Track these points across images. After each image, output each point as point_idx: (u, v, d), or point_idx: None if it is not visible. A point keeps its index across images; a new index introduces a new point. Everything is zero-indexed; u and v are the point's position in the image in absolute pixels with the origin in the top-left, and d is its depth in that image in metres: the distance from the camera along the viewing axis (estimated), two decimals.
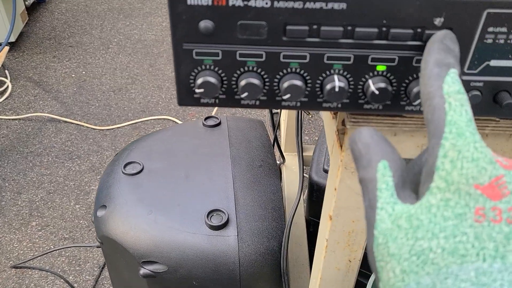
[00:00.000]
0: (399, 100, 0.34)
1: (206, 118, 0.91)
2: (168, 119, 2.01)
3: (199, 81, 0.32)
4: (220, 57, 0.32)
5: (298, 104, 0.34)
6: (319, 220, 1.01)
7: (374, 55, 0.31)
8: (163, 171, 0.79)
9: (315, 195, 0.99)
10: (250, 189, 0.77)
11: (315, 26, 0.30)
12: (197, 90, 0.32)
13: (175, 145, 0.85)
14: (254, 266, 0.70)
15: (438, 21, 0.30)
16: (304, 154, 1.43)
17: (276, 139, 0.99)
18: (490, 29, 0.30)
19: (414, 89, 0.32)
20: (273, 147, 0.96)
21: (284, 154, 1.19)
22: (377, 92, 0.32)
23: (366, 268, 0.80)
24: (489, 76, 0.32)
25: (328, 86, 0.32)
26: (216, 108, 1.99)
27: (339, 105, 0.34)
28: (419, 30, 0.30)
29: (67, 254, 1.46)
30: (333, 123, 0.43)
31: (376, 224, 0.22)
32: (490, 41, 0.30)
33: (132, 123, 1.98)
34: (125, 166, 0.79)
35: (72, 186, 1.70)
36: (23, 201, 1.63)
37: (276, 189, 0.79)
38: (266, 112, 1.57)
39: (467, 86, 0.33)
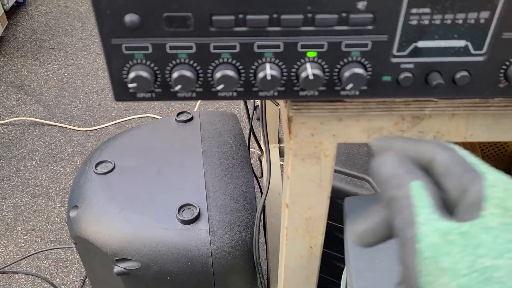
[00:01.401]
0: (333, 85, 0.34)
1: (178, 114, 0.91)
2: (152, 117, 2.00)
3: (131, 75, 0.32)
4: (150, 51, 0.32)
5: (235, 94, 0.34)
6: None
7: (303, 42, 0.32)
8: (135, 168, 0.79)
9: None
10: (222, 182, 0.77)
11: (241, 15, 0.30)
12: (129, 85, 0.32)
13: (147, 142, 0.85)
14: (227, 258, 0.70)
15: (361, 4, 0.30)
16: (281, 145, 1.44)
17: (252, 131, 0.99)
18: (414, 10, 0.30)
19: (345, 73, 0.32)
20: (249, 140, 0.96)
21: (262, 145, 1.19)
22: (310, 78, 0.32)
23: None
24: (418, 57, 0.32)
25: (261, 75, 0.32)
26: (198, 102, 1.99)
27: (275, 93, 0.34)
28: (344, 14, 0.30)
29: (53, 256, 1.45)
30: (285, 111, 0.43)
31: (419, 238, 0.22)
32: (415, 22, 0.31)
33: (116, 123, 1.97)
34: (96, 165, 0.79)
35: (57, 189, 1.69)
36: (8, 206, 1.63)
37: (248, 181, 0.79)
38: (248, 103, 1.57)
39: (398, 69, 0.33)
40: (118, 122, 1.97)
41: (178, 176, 0.77)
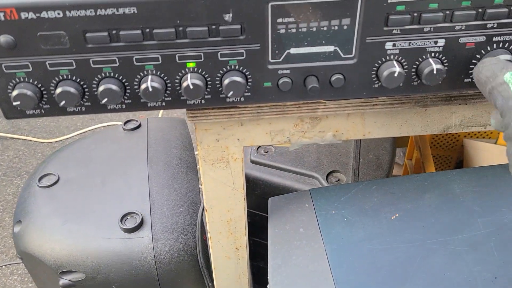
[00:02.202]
0: (219, 93, 0.35)
1: (125, 122, 0.91)
2: (118, 125, 1.99)
3: (14, 93, 0.33)
4: (31, 69, 0.33)
5: (123, 106, 0.35)
6: (255, 210, 1.03)
7: (180, 54, 0.33)
8: (79, 180, 0.79)
9: (246, 186, 1.01)
10: (166, 188, 0.78)
11: (114, 31, 0.31)
12: (14, 103, 0.33)
13: (93, 152, 0.85)
14: (171, 264, 0.71)
15: (228, 17, 0.31)
16: None
17: None
18: (279, 20, 0.32)
19: (225, 82, 0.34)
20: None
21: None
22: (191, 87, 0.33)
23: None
24: (293, 63, 0.34)
25: (143, 86, 0.33)
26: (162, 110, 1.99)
27: (164, 104, 0.35)
28: (213, 26, 0.32)
29: (19, 272, 1.44)
30: None
31: None
32: (282, 30, 0.32)
33: (81, 133, 1.96)
34: (40, 179, 0.79)
35: None
36: None
37: (193, 186, 0.80)
38: None
39: (276, 75, 0.34)
40: (84, 132, 1.96)
41: (122, 185, 0.78)
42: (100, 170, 0.81)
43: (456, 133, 1.23)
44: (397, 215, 0.51)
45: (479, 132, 1.21)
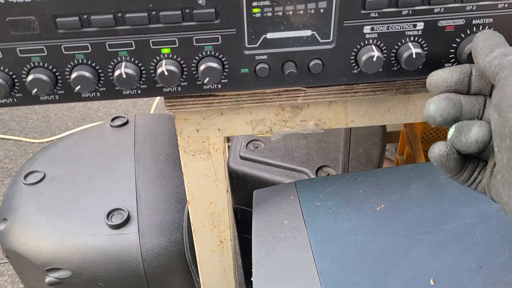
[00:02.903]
0: (195, 80, 0.35)
1: (113, 119, 0.90)
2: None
3: None
4: (1, 56, 0.32)
5: (98, 94, 0.34)
6: (245, 207, 1.02)
7: (154, 39, 0.32)
8: (65, 177, 0.78)
9: (235, 182, 1.00)
10: (153, 184, 0.77)
11: (85, 16, 0.31)
12: None
13: (80, 149, 0.84)
14: (158, 260, 0.70)
15: (201, 0, 0.31)
16: (228, 144, 1.45)
17: None
18: (254, 3, 0.31)
19: (200, 68, 0.33)
20: None
21: None
22: (165, 74, 0.33)
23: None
24: (270, 48, 0.33)
25: (116, 73, 0.33)
26: (154, 105, 1.98)
27: (139, 91, 0.35)
28: (187, 11, 0.31)
29: (9, 272, 1.43)
30: None
31: None
32: (258, 15, 0.32)
33: (72, 132, 1.94)
34: (25, 176, 0.78)
35: None
36: None
37: (180, 182, 0.79)
38: None
39: (253, 60, 0.34)
40: (75, 132, 1.94)
41: (108, 182, 0.77)
42: (87, 167, 0.80)
43: (447, 128, 1.23)
44: (382, 206, 0.50)
45: None
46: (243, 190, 0.98)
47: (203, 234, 0.51)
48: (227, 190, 0.47)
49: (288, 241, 0.48)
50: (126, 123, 0.90)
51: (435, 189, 0.51)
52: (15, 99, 0.34)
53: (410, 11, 0.32)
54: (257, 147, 0.99)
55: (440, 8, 0.32)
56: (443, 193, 0.51)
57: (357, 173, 0.54)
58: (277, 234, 0.48)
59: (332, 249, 0.46)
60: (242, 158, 0.99)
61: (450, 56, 0.35)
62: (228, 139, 1.07)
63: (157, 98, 2.04)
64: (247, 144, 0.99)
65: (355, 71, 0.35)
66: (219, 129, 0.42)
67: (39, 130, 1.97)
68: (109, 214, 0.71)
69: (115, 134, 0.87)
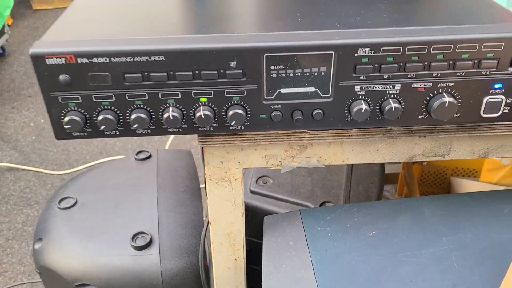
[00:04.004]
0: (224, 122, 0.45)
1: (137, 152, 1.01)
2: (130, 155, 2.09)
3: (66, 119, 0.42)
4: (80, 100, 0.42)
5: (149, 131, 0.45)
6: (254, 238, 1.11)
7: (195, 91, 0.43)
8: (94, 203, 0.88)
9: (245, 214, 1.09)
10: (173, 212, 0.86)
11: (146, 73, 0.41)
12: (65, 127, 0.42)
13: (108, 179, 0.94)
14: (176, 279, 0.78)
15: (233, 64, 0.41)
16: None
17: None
18: (272, 67, 0.42)
19: (229, 113, 0.43)
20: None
21: None
22: (202, 117, 0.43)
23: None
24: (283, 100, 0.44)
25: (165, 116, 0.43)
26: (169, 141, 2.10)
27: (180, 130, 0.45)
28: (221, 71, 0.41)
29: None
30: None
31: None
32: (274, 75, 0.42)
33: (90, 165, 2.05)
34: (60, 201, 0.88)
35: (30, 231, 1.75)
36: None
37: (197, 210, 0.88)
38: None
39: (269, 109, 0.44)
40: (92, 165, 2.05)
41: (133, 208, 0.86)
42: (114, 195, 0.90)
43: (444, 172, 1.32)
44: (374, 232, 0.59)
45: (464, 171, 1.30)
46: (252, 222, 1.07)
47: (221, 252, 0.59)
48: (242, 213, 0.57)
49: (292, 259, 0.56)
50: (149, 157, 1.00)
51: (419, 220, 0.60)
52: (85, 133, 0.44)
53: (390, 76, 0.43)
54: (266, 183, 1.08)
55: (413, 74, 0.43)
56: (426, 224, 0.59)
57: (353, 205, 0.63)
58: (284, 253, 0.57)
59: (330, 267, 0.55)
60: (252, 192, 1.09)
61: (422, 110, 0.45)
62: None
63: (171, 137, 2.15)
64: (257, 179, 1.09)
65: (349, 119, 0.45)
66: (239, 162, 0.52)
67: (58, 162, 2.08)
68: (134, 236, 0.80)
69: (139, 166, 0.97)
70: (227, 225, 0.57)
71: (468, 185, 1.23)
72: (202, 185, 1.06)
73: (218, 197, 0.54)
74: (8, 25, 2.86)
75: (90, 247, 0.80)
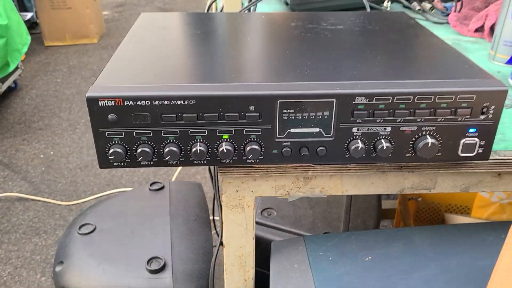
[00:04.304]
0: (242, 156, 0.53)
1: (151, 184, 1.08)
2: (144, 185, 2.16)
3: (110, 151, 0.50)
4: (123, 136, 0.51)
5: (178, 162, 0.53)
6: (258, 268, 1.17)
7: (219, 129, 0.51)
8: (112, 229, 0.95)
9: None
10: (185, 239, 0.93)
11: (179, 114, 0.50)
12: (109, 157, 0.51)
13: (124, 207, 1.01)
14: None
15: (252, 108, 0.50)
16: None
17: (216, 196, 1.17)
18: (284, 110, 0.50)
19: (247, 148, 0.51)
20: (214, 204, 1.13)
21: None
22: (225, 151, 0.51)
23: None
24: (292, 138, 0.52)
25: (193, 149, 0.51)
26: (176, 173, 2.17)
27: (204, 161, 0.53)
28: (242, 113, 0.50)
29: None
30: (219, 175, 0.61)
31: None
32: (286, 117, 0.51)
33: (97, 197, 2.12)
34: (80, 227, 0.95)
35: (38, 260, 1.80)
36: None
37: (207, 238, 0.95)
38: None
39: (281, 145, 0.52)
40: (100, 196, 2.12)
41: (148, 235, 0.93)
42: (130, 222, 0.97)
43: (438, 208, 1.39)
44: (370, 257, 0.66)
45: (457, 207, 1.37)
46: (257, 252, 1.13)
47: (233, 272, 0.66)
48: (253, 237, 0.64)
49: (297, 279, 0.63)
50: (162, 188, 1.07)
51: (410, 247, 0.67)
52: (125, 163, 0.52)
53: (382, 120, 0.51)
54: (270, 214, 1.16)
55: (401, 119, 0.51)
56: (416, 250, 0.67)
57: (352, 233, 0.70)
58: (289, 274, 0.64)
59: (331, 287, 0.62)
60: (257, 223, 1.16)
61: (409, 149, 0.53)
62: None
63: (178, 170, 2.23)
64: (262, 211, 1.16)
65: (347, 155, 0.53)
66: (252, 191, 0.60)
67: (67, 193, 2.15)
68: (149, 261, 0.87)
69: (153, 197, 1.05)
70: (239, 248, 0.64)
71: (460, 221, 1.30)
72: (211, 217, 1.13)
73: (232, 222, 0.62)
74: (21, 61, 3.00)
75: (108, 270, 0.86)
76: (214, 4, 1.37)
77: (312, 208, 1.16)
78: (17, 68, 2.90)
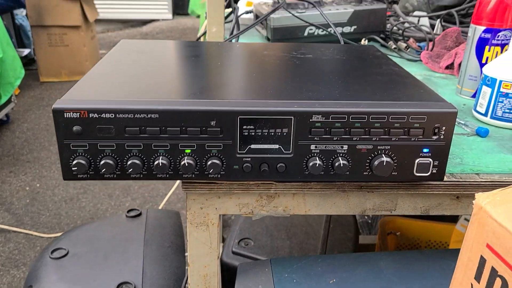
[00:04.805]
0: (204, 171, 0.54)
1: (128, 211, 1.09)
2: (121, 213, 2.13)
3: (74, 162, 0.52)
4: (87, 148, 0.52)
5: (141, 176, 0.54)
6: None
7: (181, 143, 0.53)
8: (84, 254, 0.94)
9: (226, 274, 1.14)
10: (157, 265, 0.92)
11: (143, 127, 0.52)
12: (73, 169, 0.52)
13: (99, 233, 1.01)
14: None
15: (213, 123, 0.52)
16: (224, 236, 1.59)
17: None
18: (244, 126, 0.52)
19: (208, 163, 0.53)
20: None
21: None
22: (186, 165, 0.53)
23: None
24: (253, 154, 0.54)
25: (155, 163, 0.52)
26: (164, 201, 2.16)
27: (167, 175, 0.54)
28: (203, 128, 0.52)
29: None
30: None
31: None
32: (246, 133, 0.53)
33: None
34: (52, 252, 0.94)
35: None
36: None
37: (180, 264, 0.95)
38: None
39: (241, 161, 0.54)
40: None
41: (120, 260, 0.93)
42: (104, 247, 0.96)
43: (418, 243, 1.39)
44: (334, 280, 0.66)
45: (437, 243, 1.37)
46: (233, 282, 1.12)
47: None
48: (218, 257, 0.64)
49: None
50: (139, 214, 1.08)
51: (376, 271, 0.68)
52: (88, 175, 0.54)
53: (338, 138, 0.53)
54: (247, 244, 1.15)
55: (357, 137, 0.53)
56: (381, 274, 0.67)
57: (318, 256, 0.71)
58: None
59: None
60: (234, 253, 1.15)
61: (366, 167, 0.55)
62: (223, 239, 1.23)
63: (164, 201, 2.23)
64: (239, 241, 1.16)
65: (306, 172, 0.55)
66: (216, 208, 0.61)
67: (50, 225, 2.13)
68: (119, 286, 0.86)
69: (129, 223, 1.05)
70: (204, 267, 0.64)
71: None
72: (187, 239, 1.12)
73: (196, 240, 0.62)
74: (15, 95, 3.04)
75: None
76: (202, 38, 1.42)
77: (290, 239, 1.16)
78: (10, 101, 2.94)
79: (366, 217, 1.73)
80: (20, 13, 4.01)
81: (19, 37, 3.98)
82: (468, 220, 1.19)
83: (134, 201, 2.31)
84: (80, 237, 1.00)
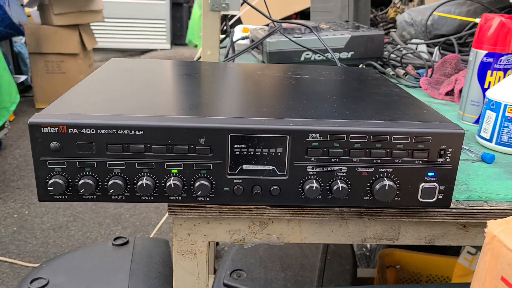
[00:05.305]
0: (191, 193, 0.50)
1: (115, 238, 1.03)
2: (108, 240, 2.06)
3: (50, 182, 0.48)
4: (65, 166, 0.48)
5: (123, 197, 0.50)
6: None
7: (168, 163, 0.49)
8: (66, 285, 0.88)
9: None
10: None
11: (126, 145, 0.48)
12: (49, 189, 0.48)
13: (82, 262, 0.95)
14: None
15: (202, 141, 0.48)
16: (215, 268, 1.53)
17: None
18: (236, 145, 0.48)
19: (196, 184, 0.49)
20: None
21: None
22: (172, 186, 0.48)
23: None
24: (244, 175, 0.50)
25: (139, 183, 0.48)
26: (156, 228, 2.09)
27: (152, 198, 0.50)
28: (192, 146, 0.48)
29: None
30: None
31: None
32: (238, 152, 0.49)
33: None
34: (31, 281, 0.88)
35: None
36: None
37: None
38: None
39: (232, 183, 0.50)
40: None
41: None
42: (87, 277, 0.91)
43: (419, 278, 1.33)
44: None
45: (438, 277, 1.31)
46: None
47: None
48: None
49: None
50: (126, 243, 1.02)
51: None
52: (66, 196, 0.49)
53: (337, 159, 0.49)
54: (240, 276, 1.09)
55: (357, 159, 0.49)
56: None
57: None
58: None
59: None
60: (225, 285, 1.09)
61: (366, 191, 0.51)
62: (215, 270, 1.17)
63: (155, 229, 2.16)
64: (231, 272, 1.10)
65: (302, 196, 0.51)
66: (205, 235, 0.56)
67: (36, 254, 2.05)
68: None
69: (115, 251, 0.99)
70: None
71: None
72: None
73: (183, 269, 0.57)
74: (10, 121, 3.00)
75: None
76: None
77: (284, 271, 1.10)
78: (3, 127, 2.90)
79: (364, 249, 1.68)
80: (19, 40, 4.03)
81: (16, 64, 3.98)
82: (471, 253, 1.14)
83: (125, 229, 2.24)
84: (61, 266, 0.94)
